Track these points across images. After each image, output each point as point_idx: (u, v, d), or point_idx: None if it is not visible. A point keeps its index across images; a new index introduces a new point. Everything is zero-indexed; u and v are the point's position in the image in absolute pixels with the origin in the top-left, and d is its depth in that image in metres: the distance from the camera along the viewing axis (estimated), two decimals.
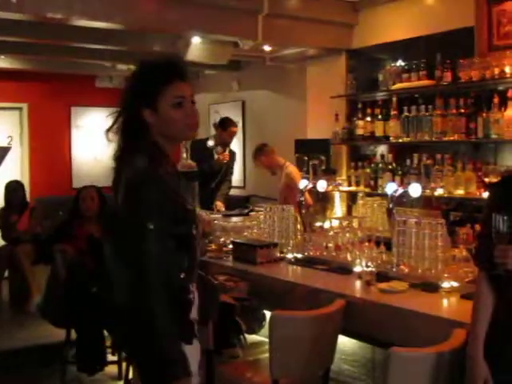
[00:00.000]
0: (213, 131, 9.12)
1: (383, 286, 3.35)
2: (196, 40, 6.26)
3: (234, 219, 5.19)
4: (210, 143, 6.42)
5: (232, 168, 6.82)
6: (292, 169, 6.34)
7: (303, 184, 4.86)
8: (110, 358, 4.75)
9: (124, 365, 4.55)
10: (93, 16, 5.29)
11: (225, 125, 6.64)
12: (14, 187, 6.94)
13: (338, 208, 6.54)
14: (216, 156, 6.38)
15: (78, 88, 9.51)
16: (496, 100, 4.94)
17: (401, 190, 4.00)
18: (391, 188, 3.98)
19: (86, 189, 5.01)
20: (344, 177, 6.31)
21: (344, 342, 3.62)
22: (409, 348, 2.48)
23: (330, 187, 5.93)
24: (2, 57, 7.92)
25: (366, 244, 3.82)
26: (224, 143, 6.58)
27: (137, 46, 6.85)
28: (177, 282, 2.13)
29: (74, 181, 9.40)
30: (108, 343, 4.69)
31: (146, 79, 2.22)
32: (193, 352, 2.16)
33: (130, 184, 2.12)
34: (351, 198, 6.34)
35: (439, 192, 5.16)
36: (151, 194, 2.08)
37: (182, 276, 2.14)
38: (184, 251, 2.17)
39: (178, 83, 2.20)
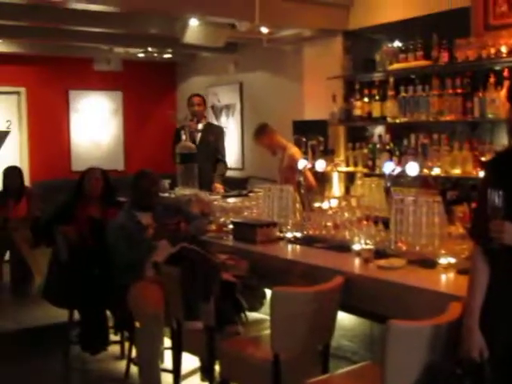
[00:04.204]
0: (211, 114, 9.14)
1: (381, 262, 3.41)
2: (193, 22, 6.27)
3: (234, 200, 5.19)
4: (179, 117, 6.64)
5: (220, 145, 6.73)
6: (294, 150, 6.27)
7: (302, 164, 4.90)
8: (113, 337, 4.83)
9: (126, 344, 4.62)
10: None
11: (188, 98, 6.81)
12: (11, 173, 6.89)
13: (337, 188, 6.58)
14: (183, 137, 6.06)
15: (76, 71, 9.51)
16: (492, 80, 4.97)
17: (398, 169, 4.05)
18: (389, 167, 4.03)
19: (92, 170, 5.02)
20: (342, 157, 6.34)
21: (343, 319, 3.68)
22: (406, 320, 2.53)
23: (329, 167, 5.97)
24: (0, 41, 7.92)
25: (365, 222, 3.86)
26: (193, 115, 6.62)
27: (134, 28, 6.85)
28: None
29: (74, 164, 9.44)
30: (111, 323, 4.77)
31: None
32: None
33: None
34: (349, 178, 6.38)
35: (436, 172, 5.20)
36: None
37: None
38: None
39: None
